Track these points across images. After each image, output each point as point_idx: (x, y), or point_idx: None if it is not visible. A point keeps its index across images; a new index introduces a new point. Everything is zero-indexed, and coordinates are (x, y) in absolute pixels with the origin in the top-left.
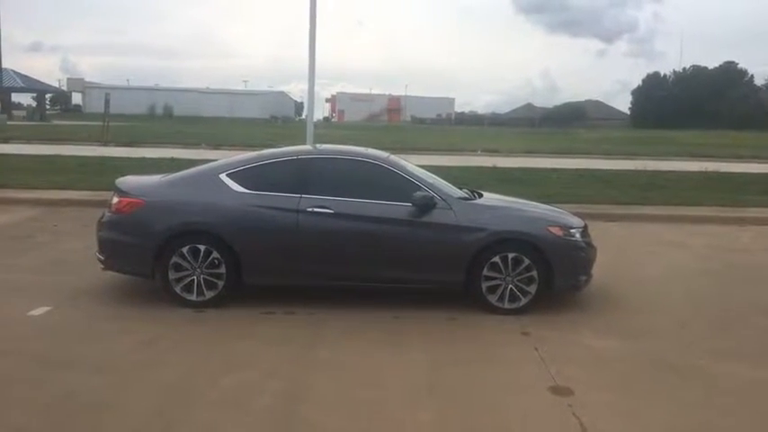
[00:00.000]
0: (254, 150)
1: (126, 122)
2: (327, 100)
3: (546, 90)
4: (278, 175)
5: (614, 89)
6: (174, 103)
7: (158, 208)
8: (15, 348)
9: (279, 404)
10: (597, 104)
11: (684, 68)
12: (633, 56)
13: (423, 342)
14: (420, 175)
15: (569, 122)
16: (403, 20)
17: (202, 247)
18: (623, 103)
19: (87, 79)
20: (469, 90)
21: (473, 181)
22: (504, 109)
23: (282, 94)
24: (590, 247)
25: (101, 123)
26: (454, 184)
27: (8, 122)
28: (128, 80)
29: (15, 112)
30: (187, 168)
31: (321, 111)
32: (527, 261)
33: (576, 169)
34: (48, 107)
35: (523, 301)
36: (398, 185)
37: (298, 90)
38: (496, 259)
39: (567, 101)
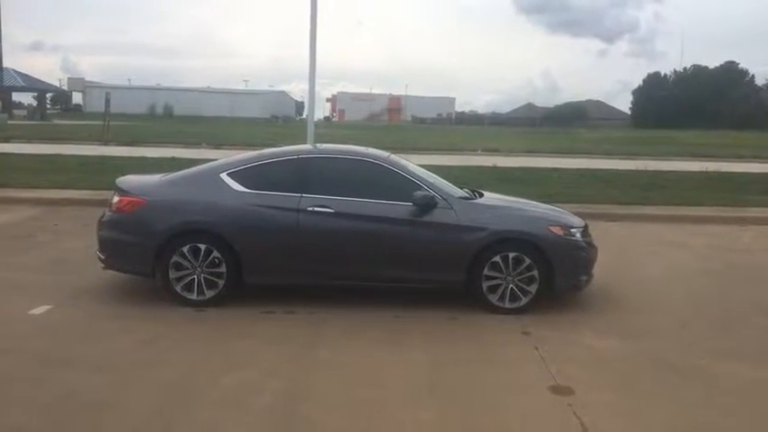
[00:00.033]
0: (254, 150)
1: (127, 122)
2: (328, 99)
3: (547, 90)
4: (278, 174)
5: (615, 89)
6: (175, 102)
7: (159, 207)
8: (16, 347)
9: (279, 403)
10: (598, 104)
11: (685, 68)
12: (634, 56)
13: (423, 341)
14: (421, 175)
15: (570, 122)
16: (403, 19)
17: (203, 247)
18: (624, 103)
19: (88, 79)
20: (470, 90)
21: (473, 180)
22: (505, 109)
23: (283, 93)
24: (591, 246)
25: (101, 123)
26: (455, 184)
27: (9, 122)
28: (129, 80)
29: (16, 112)
30: (188, 168)
31: (322, 110)
32: (528, 261)
33: (577, 169)
34: (48, 106)
35: (524, 300)
36: (399, 185)
37: (298, 90)
38: (497, 259)
39: (568, 101)
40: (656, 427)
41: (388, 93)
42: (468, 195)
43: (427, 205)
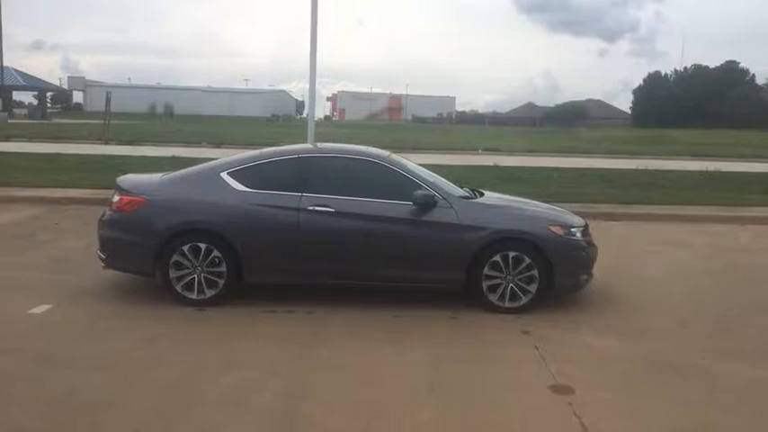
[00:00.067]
0: (255, 149)
1: (127, 121)
2: (328, 99)
3: (547, 89)
4: (279, 173)
5: (615, 88)
6: (176, 101)
7: (159, 206)
8: (16, 346)
9: (279, 403)
10: (598, 104)
11: (686, 68)
12: (635, 55)
13: (423, 341)
14: (421, 174)
15: (570, 122)
16: (404, 19)
17: (203, 246)
18: (624, 103)
19: (88, 78)
20: (470, 89)
21: (474, 180)
22: (506, 108)
23: (283, 92)
24: (591, 246)
25: (102, 122)
26: (455, 183)
27: (9, 121)
28: (129, 79)
29: (17, 111)
30: (188, 167)
31: (322, 109)
32: (528, 260)
33: (578, 168)
34: (49, 105)
35: (524, 300)
36: (399, 184)
37: (299, 89)
38: (497, 258)
39: (569, 100)
40: (656, 427)
41: (388, 92)
42: (468, 195)
43: (427, 204)
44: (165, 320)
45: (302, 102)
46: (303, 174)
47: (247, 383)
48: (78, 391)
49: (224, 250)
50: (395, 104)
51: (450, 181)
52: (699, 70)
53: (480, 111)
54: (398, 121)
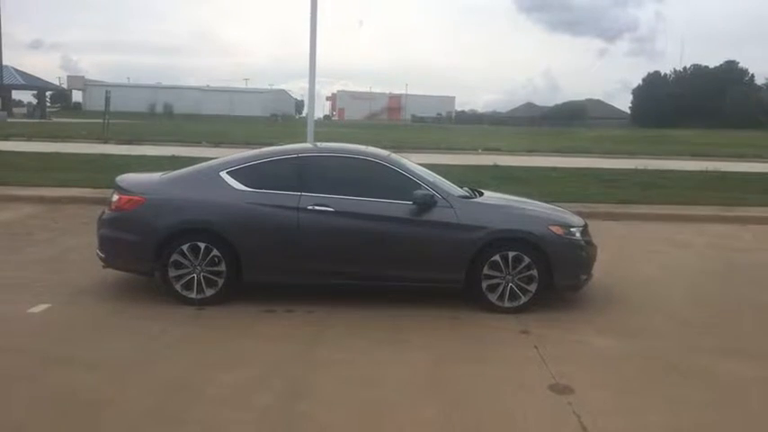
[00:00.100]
0: (254, 148)
1: (126, 120)
2: (328, 98)
3: (547, 89)
4: (278, 172)
5: (615, 88)
6: (175, 101)
7: (158, 205)
8: (15, 345)
9: (279, 402)
10: (598, 103)
11: (685, 68)
12: (634, 55)
13: (423, 340)
14: (421, 174)
15: (570, 121)
16: (404, 18)
17: (202, 245)
18: (624, 103)
19: (88, 77)
20: (470, 89)
21: (474, 180)
22: (505, 108)
23: (283, 92)
24: (590, 245)
25: (101, 121)
26: (455, 183)
27: (8, 120)
28: (128, 78)
29: (16, 110)
30: (187, 166)
31: (322, 109)
32: (527, 260)
33: (577, 168)
34: (48, 105)
35: (524, 299)
36: (399, 184)
37: (298, 88)
38: (497, 258)
39: (568, 100)
40: (656, 426)
41: (387, 92)
42: (468, 194)
43: (427, 204)
44: (164, 319)
45: (302, 101)
46: (303, 173)
47: (247, 383)
48: (77, 390)
49: (223, 249)
50: (394, 104)
51: (450, 181)
52: (698, 70)
53: (480, 110)
54: (398, 120)
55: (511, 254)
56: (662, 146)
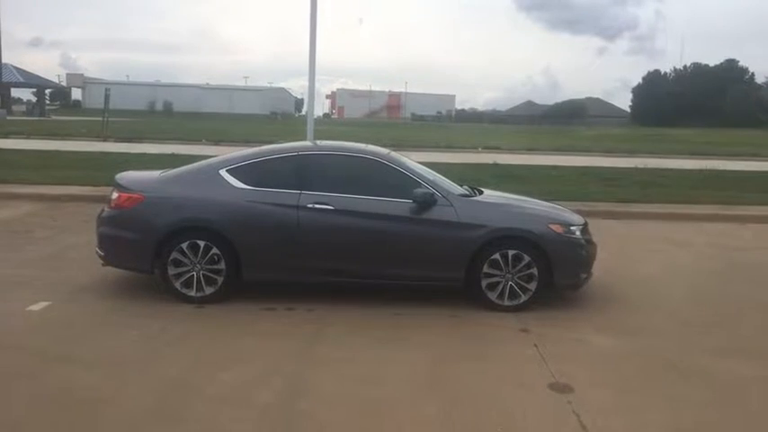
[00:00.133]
0: (254, 146)
1: (126, 118)
2: (327, 96)
3: (547, 87)
4: (278, 171)
5: (615, 87)
6: (174, 98)
7: (158, 203)
8: (14, 343)
9: (279, 400)
10: (598, 102)
11: (685, 66)
12: (634, 53)
13: (423, 338)
14: (420, 172)
15: (570, 120)
16: (403, 16)
17: (202, 243)
18: (623, 101)
19: (87, 75)
20: (470, 87)
21: (473, 178)
22: (505, 106)
23: (282, 90)
24: (590, 244)
25: (100, 119)
26: (455, 181)
27: (8, 117)
28: (127, 76)
29: (15, 108)
30: (187, 164)
31: (321, 107)
32: (527, 258)
33: (577, 167)
34: (47, 102)
35: (523, 298)
36: (399, 182)
37: (298, 86)
38: (496, 256)
39: (568, 98)
40: (655, 425)
41: (387, 90)
42: (467, 193)
43: (427, 202)
44: (164, 317)
45: (301, 99)
46: (302, 171)
47: (247, 381)
48: (76, 388)
49: (223, 248)
50: (394, 102)
51: (450, 179)
52: (698, 69)
53: (480, 109)
54: (398, 119)
55: (511, 252)
56: (662, 144)
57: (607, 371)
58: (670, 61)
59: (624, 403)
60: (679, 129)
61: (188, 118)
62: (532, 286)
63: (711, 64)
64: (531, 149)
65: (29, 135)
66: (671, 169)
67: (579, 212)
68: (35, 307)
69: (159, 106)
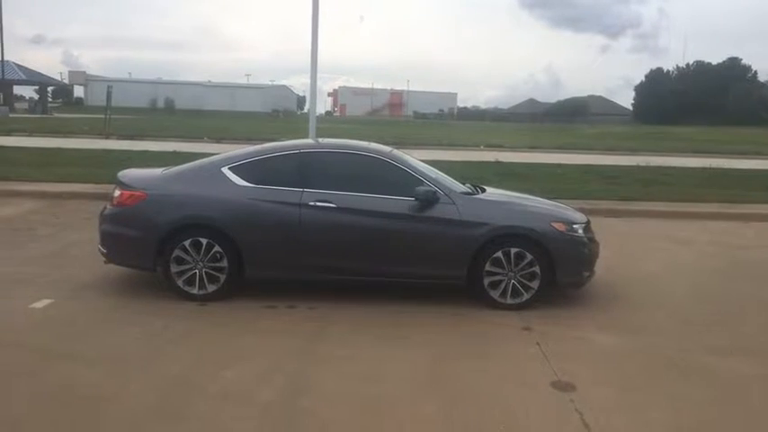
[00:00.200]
0: (256, 144)
1: (128, 115)
2: (329, 94)
3: (549, 85)
4: (280, 168)
5: (617, 85)
6: (176, 96)
7: (160, 201)
8: (16, 340)
9: (281, 397)
10: (600, 100)
11: (688, 64)
12: (636, 51)
13: (425, 337)
14: (423, 170)
15: (572, 118)
16: (405, 14)
17: (204, 241)
18: (626, 99)
19: (89, 72)
20: (472, 85)
21: (475, 176)
22: (507, 104)
23: (284, 87)
24: (593, 242)
25: (103, 116)
26: (457, 179)
27: (10, 115)
28: (129, 73)
29: (17, 105)
30: (189, 162)
31: (323, 105)
32: (529, 256)
33: (579, 165)
34: (50, 100)
35: (526, 296)
36: (401, 180)
37: (300, 84)
38: (499, 254)
39: (570, 96)
40: (658, 424)
41: (389, 88)
42: (470, 191)
43: (429, 200)
44: (166, 315)
45: (303, 97)
46: (304, 169)
47: (249, 378)
48: (78, 386)
49: (225, 245)
50: (396, 100)
51: (452, 177)
52: (701, 67)
53: (482, 107)
54: (400, 116)
55: (513, 250)
56: (664, 142)
57: (609, 369)
58: (673, 59)
59: (626, 401)
60: (682, 127)
61: (190, 115)
62: (535, 284)
63: (714, 62)
64: (533, 147)
65: (31, 132)
66: (673, 167)
67: (581, 210)
68: (38, 304)
69: (161, 104)
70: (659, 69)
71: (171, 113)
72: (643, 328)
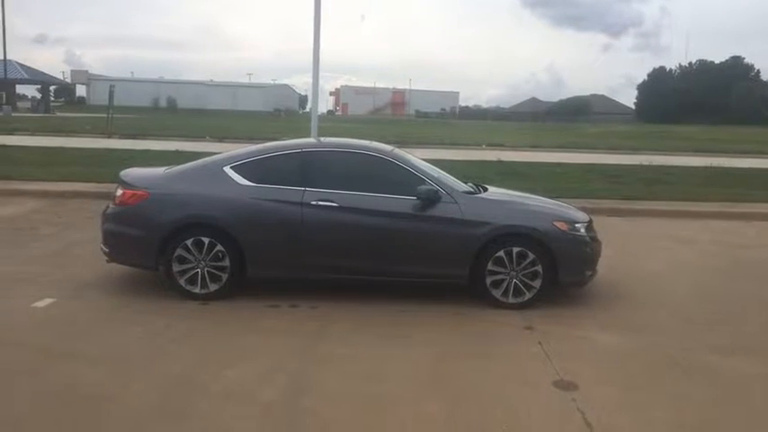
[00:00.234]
0: (258, 143)
1: (130, 114)
2: (331, 93)
3: (551, 84)
4: (282, 168)
5: (619, 84)
6: (178, 95)
7: (163, 200)
8: (19, 340)
9: (283, 397)
10: (602, 99)
11: (690, 63)
12: (639, 50)
13: (426, 336)
14: (425, 169)
15: (574, 117)
16: (407, 13)
17: (206, 240)
18: (628, 98)
19: (92, 71)
20: (474, 84)
21: (477, 175)
22: (509, 103)
23: (286, 86)
24: (595, 241)
25: (105, 115)
26: (459, 178)
27: (13, 114)
28: (132, 72)
29: (20, 104)
30: (191, 161)
31: (325, 104)
32: (532, 256)
33: (582, 164)
34: (52, 99)
35: (528, 295)
36: (403, 179)
37: (302, 83)
38: (501, 254)
39: (572, 95)
40: (660, 423)
41: (391, 87)
42: (472, 190)
43: (431, 199)
44: (168, 314)
45: (305, 96)
46: (306, 168)
47: (251, 377)
48: (81, 385)
49: (227, 244)
50: (398, 99)
51: (454, 176)
52: (703, 65)
53: (484, 106)
54: (402, 115)
55: (515, 249)
56: (667, 141)
57: (612, 368)
58: (675, 58)
59: (629, 400)
60: (684, 126)
61: (192, 115)
62: (537, 284)
63: (717, 61)
64: (534, 146)
65: (33, 132)
66: (676, 166)
67: (584, 210)
68: (40, 304)
69: (163, 103)
70: (662, 68)
71: (173, 113)
72: (645, 327)
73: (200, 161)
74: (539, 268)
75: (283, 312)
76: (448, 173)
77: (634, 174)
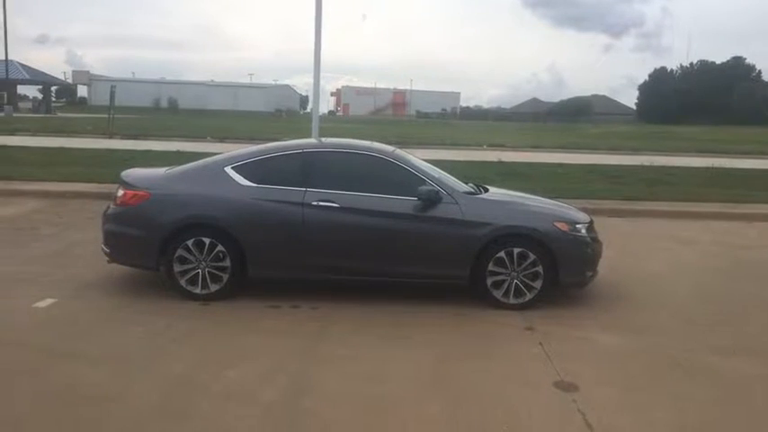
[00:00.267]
0: (259, 144)
1: (131, 115)
2: (332, 94)
3: (552, 84)
4: (283, 168)
5: (621, 84)
6: (179, 96)
7: (163, 201)
8: (20, 340)
9: (284, 397)
10: (603, 99)
11: (691, 63)
12: (640, 50)
13: (427, 336)
14: (425, 170)
15: (575, 117)
16: (408, 13)
17: (207, 240)
18: (629, 99)
19: (93, 72)
20: (475, 84)
21: (478, 176)
22: (510, 103)
23: (287, 87)
24: (596, 242)
25: (106, 116)
26: (459, 179)
27: (14, 114)
28: (133, 73)
29: (21, 105)
30: (192, 161)
31: (326, 104)
32: (532, 256)
33: (583, 164)
34: (53, 99)
35: (528, 296)
36: (404, 179)
37: (303, 83)
38: (502, 254)
39: (573, 96)
40: (661, 424)
41: (392, 87)
42: (472, 190)
43: (432, 200)
44: (169, 315)
45: (306, 96)
46: (307, 169)
47: (252, 378)
48: (81, 385)
49: (228, 245)
50: (399, 100)
51: (455, 177)
52: (705, 66)
53: (484, 106)
54: (402, 116)
55: (516, 250)
56: (668, 142)
57: (612, 369)
58: (676, 58)
59: (629, 401)
60: (685, 126)
61: (193, 115)
62: (537, 284)
63: (718, 61)
64: (535, 147)
65: (35, 132)
66: (677, 167)
67: (584, 210)
68: (41, 304)
69: (164, 103)
70: (663, 69)
71: (174, 113)
72: (646, 327)
73: (201, 161)
74: (539, 269)
75: (284, 313)
76: (449, 173)
77: (635, 174)
